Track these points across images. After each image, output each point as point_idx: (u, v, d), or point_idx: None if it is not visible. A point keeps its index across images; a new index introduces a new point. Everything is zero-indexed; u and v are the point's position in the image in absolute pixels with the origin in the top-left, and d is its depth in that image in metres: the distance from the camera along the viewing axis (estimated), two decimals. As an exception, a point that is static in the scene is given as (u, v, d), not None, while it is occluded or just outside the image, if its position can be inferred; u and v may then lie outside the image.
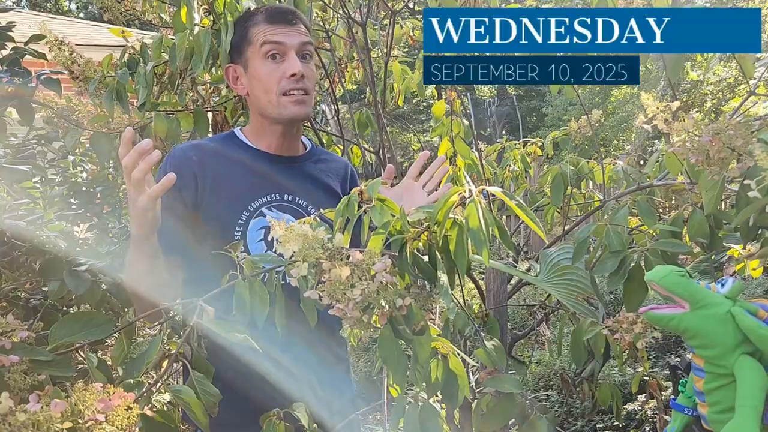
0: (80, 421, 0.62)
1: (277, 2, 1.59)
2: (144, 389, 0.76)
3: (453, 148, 2.12)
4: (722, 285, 0.98)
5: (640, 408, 2.93)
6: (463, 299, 2.45)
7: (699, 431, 1.07)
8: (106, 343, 1.46)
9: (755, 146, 0.94)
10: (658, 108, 1.05)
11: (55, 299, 1.39)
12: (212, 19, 1.51)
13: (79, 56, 1.59)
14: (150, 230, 1.11)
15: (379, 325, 0.83)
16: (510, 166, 2.56)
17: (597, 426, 3.03)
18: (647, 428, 2.83)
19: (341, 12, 1.94)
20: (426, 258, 0.87)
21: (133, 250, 1.14)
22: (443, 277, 0.82)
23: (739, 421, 0.89)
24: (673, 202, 1.51)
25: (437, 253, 0.84)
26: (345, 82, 2.28)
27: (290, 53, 1.28)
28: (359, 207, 0.92)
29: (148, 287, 1.14)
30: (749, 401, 0.90)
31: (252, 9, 1.35)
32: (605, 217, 1.38)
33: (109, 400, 0.65)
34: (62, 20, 6.88)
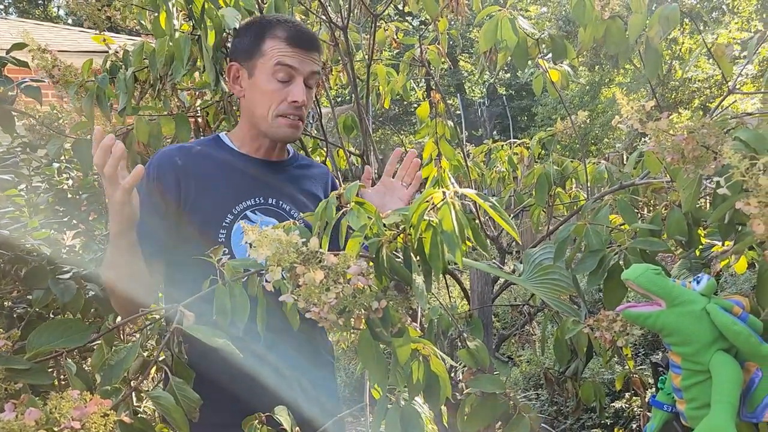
0: (55, 429, 0.62)
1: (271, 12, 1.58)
2: (122, 396, 0.76)
3: (438, 149, 2.13)
4: (698, 282, 0.99)
5: (627, 405, 2.95)
6: (449, 300, 2.46)
7: (678, 428, 1.08)
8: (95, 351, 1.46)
9: (725, 144, 0.95)
10: (632, 108, 1.06)
11: (40, 307, 1.39)
12: (192, 24, 1.51)
13: (61, 62, 1.59)
14: (128, 225, 1.13)
15: (357, 328, 0.83)
16: (497, 167, 2.57)
17: (586, 424, 3.05)
18: (634, 426, 2.85)
19: (323, 17, 1.94)
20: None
21: (112, 247, 1.16)
22: (418, 279, 0.83)
23: (714, 416, 0.90)
24: (654, 200, 1.52)
25: (412, 255, 0.84)
26: (330, 86, 2.28)
27: (298, 79, 1.29)
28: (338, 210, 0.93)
29: (126, 281, 1.17)
30: (725, 397, 0.91)
31: (273, 18, 1.32)
32: (586, 216, 1.39)
33: (85, 407, 0.66)
34: (50, 26, 6.85)
